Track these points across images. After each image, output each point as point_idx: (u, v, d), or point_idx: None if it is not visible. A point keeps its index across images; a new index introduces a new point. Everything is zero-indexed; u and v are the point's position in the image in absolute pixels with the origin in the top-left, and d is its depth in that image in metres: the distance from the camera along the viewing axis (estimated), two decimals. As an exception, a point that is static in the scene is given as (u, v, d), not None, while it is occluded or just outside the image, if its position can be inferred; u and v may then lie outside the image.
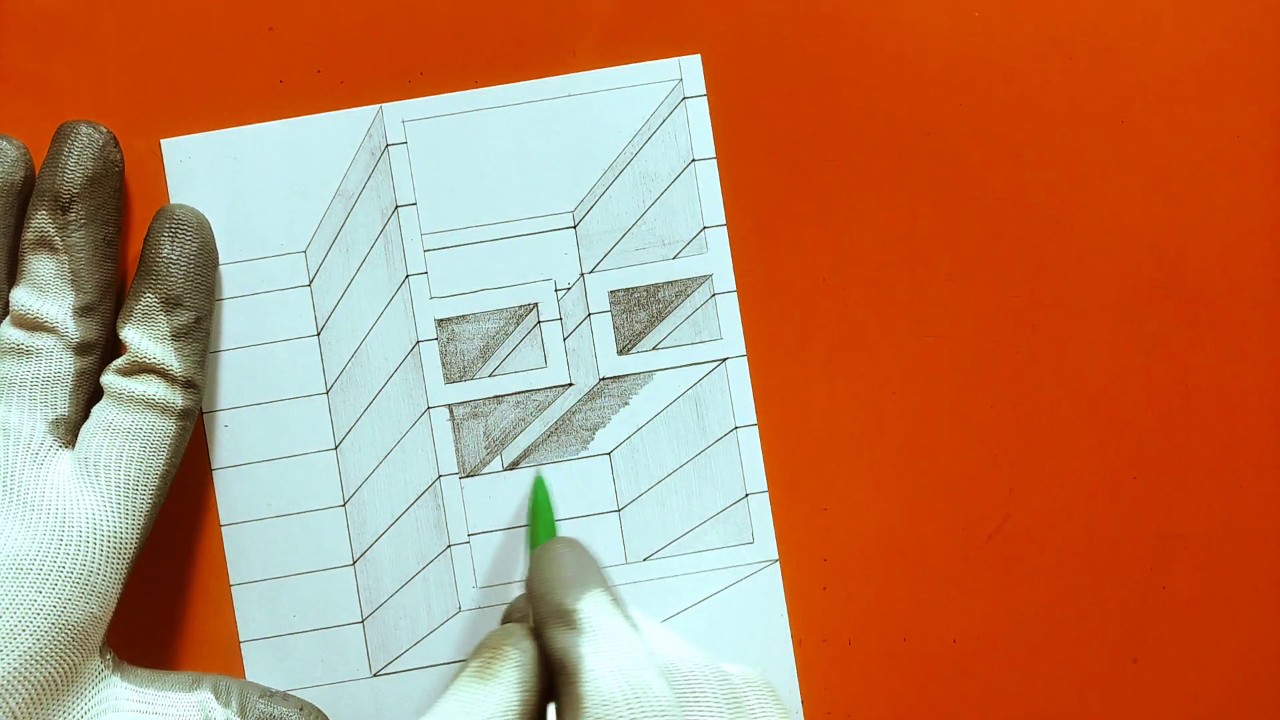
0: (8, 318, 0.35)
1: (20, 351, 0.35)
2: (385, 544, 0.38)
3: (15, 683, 0.32)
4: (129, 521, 0.35)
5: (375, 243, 0.38)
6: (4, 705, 0.32)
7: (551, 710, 0.31)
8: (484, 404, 0.38)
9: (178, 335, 0.35)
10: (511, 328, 0.38)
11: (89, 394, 0.36)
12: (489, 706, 0.30)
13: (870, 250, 0.38)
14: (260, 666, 0.38)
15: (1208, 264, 0.38)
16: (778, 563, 0.38)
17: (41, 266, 0.35)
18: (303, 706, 0.37)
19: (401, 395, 0.38)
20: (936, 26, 0.38)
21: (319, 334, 0.38)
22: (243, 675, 0.38)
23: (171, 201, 0.37)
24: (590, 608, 0.31)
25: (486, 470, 0.38)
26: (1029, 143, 0.38)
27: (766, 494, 0.38)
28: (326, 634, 0.38)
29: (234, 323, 0.38)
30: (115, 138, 0.36)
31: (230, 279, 0.38)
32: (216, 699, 0.35)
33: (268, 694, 0.36)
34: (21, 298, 0.35)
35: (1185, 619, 0.38)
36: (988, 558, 0.38)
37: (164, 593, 0.38)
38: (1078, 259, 0.38)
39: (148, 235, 0.36)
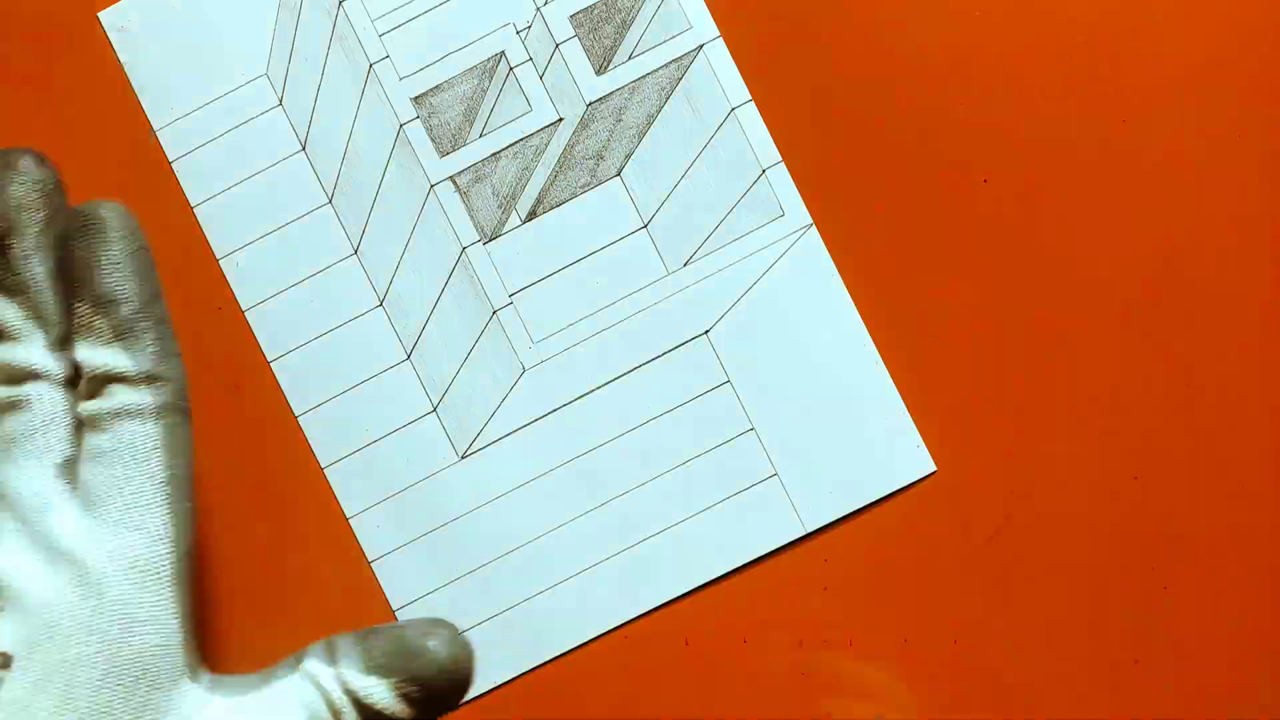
0: None
1: (10, 406, 0.33)
2: (432, 329, 0.38)
3: None
4: (150, 536, 0.32)
5: (330, 42, 0.38)
6: None
7: None
8: (484, 165, 0.38)
9: (120, 333, 0.32)
10: (486, 83, 0.38)
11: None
12: None
13: (869, 250, 0.38)
14: (348, 485, 0.38)
15: (1208, 264, 0.38)
16: (813, 226, 0.37)
17: (2, 313, 0.33)
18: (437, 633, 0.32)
19: (402, 182, 0.38)
20: (936, 26, 0.38)
21: (304, 148, 0.38)
22: (328, 493, 0.38)
23: (125, 66, 0.37)
24: None
25: (507, 229, 0.38)
26: (1029, 142, 0.38)
27: (782, 164, 0.37)
28: (403, 432, 0.38)
29: (223, 163, 0.38)
30: (44, 158, 0.33)
31: (205, 124, 0.38)
32: (324, 659, 0.32)
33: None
34: None
35: (1185, 619, 0.38)
36: (988, 558, 0.38)
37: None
38: (1078, 259, 0.38)
39: (61, 241, 0.33)
